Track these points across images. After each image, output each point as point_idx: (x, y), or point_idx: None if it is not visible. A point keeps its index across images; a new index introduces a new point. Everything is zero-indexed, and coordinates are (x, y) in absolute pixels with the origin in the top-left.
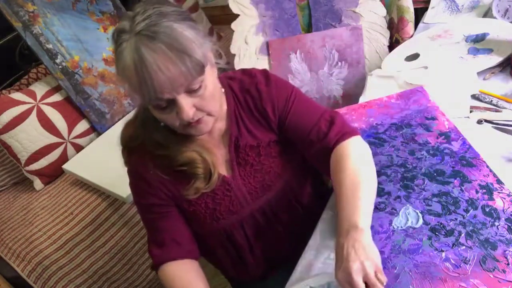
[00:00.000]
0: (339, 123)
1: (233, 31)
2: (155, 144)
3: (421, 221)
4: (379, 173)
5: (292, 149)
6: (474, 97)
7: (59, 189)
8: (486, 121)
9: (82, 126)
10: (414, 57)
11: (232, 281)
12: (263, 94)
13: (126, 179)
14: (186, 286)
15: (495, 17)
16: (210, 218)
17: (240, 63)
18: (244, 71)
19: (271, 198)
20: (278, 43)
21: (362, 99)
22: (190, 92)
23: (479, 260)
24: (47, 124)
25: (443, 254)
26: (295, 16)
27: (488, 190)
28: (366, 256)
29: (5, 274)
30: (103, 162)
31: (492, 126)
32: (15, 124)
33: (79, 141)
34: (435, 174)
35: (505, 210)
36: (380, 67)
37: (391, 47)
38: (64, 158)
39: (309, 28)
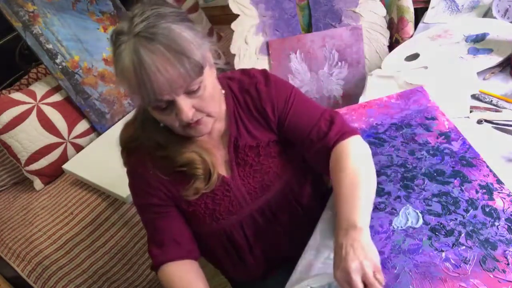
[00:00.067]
0: (339, 122)
1: (233, 31)
2: (154, 144)
3: (421, 221)
4: (379, 173)
5: (291, 149)
6: (474, 97)
7: (59, 189)
8: (486, 121)
9: (82, 126)
10: (414, 57)
11: (232, 281)
12: (263, 94)
13: (126, 179)
14: (186, 287)
15: (495, 17)
16: (210, 219)
17: (240, 63)
18: (243, 71)
19: (271, 198)
20: (278, 43)
21: (362, 99)
22: (189, 93)
23: (479, 260)
24: (47, 124)
25: (443, 254)
26: (295, 16)
27: (488, 190)
28: (365, 255)
29: (5, 274)
30: (103, 162)
31: (492, 126)
32: (15, 124)
33: (79, 141)
34: (435, 174)
35: (505, 210)
36: (380, 67)
37: (391, 47)
38: (64, 158)
39: (309, 28)
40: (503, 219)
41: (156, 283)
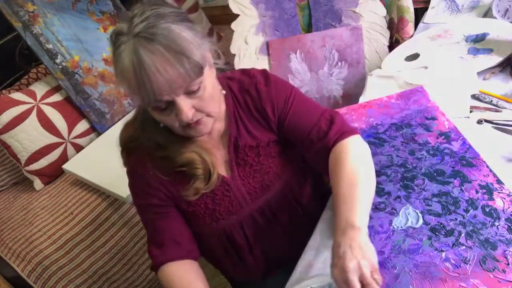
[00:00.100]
0: (339, 122)
1: (233, 31)
2: (154, 145)
3: (421, 221)
4: (379, 173)
5: (291, 149)
6: (474, 97)
7: (59, 189)
8: (486, 121)
9: (82, 126)
10: (414, 57)
11: (232, 281)
12: (263, 94)
13: (126, 179)
14: (186, 287)
15: (495, 17)
16: (210, 219)
17: (240, 63)
18: (243, 71)
19: (270, 199)
20: (278, 43)
21: (362, 99)
22: (189, 93)
23: (479, 260)
24: (47, 124)
25: (443, 254)
26: (295, 16)
27: (488, 190)
28: (362, 255)
29: (5, 274)
30: (103, 162)
31: (492, 126)
32: (15, 124)
33: (79, 141)
34: (435, 174)
35: (505, 210)
36: (380, 67)
37: (391, 47)
38: (64, 158)
39: (309, 28)
40: (503, 219)
41: (156, 283)
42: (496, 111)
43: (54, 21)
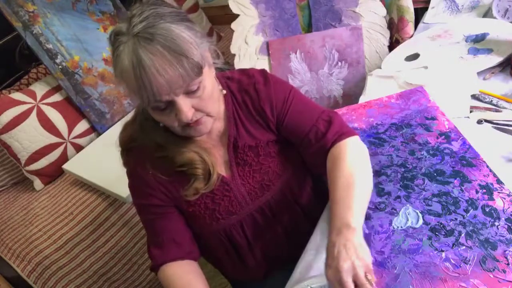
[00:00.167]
0: (337, 123)
1: (233, 31)
2: (154, 145)
3: (421, 221)
4: (379, 173)
5: (291, 149)
6: (474, 97)
7: (59, 189)
8: (486, 121)
9: (82, 126)
10: (414, 57)
11: (232, 281)
12: (261, 94)
13: (126, 179)
14: (185, 287)
15: (495, 17)
16: (210, 219)
17: (240, 63)
18: (242, 71)
19: (270, 198)
20: (278, 43)
21: (362, 99)
22: (189, 93)
23: (479, 260)
24: (47, 124)
25: (443, 254)
26: (295, 16)
27: (488, 190)
28: (357, 256)
29: (5, 274)
30: (103, 162)
31: (492, 126)
32: (15, 124)
33: (79, 141)
34: (435, 174)
35: (505, 210)
36: (380, 67)
37: (391, 47)
38: (64, 158)
39: (309, 28)
40: (503, 219)
41: (156, 283)
42: (496, 111)
43: (54, 21)
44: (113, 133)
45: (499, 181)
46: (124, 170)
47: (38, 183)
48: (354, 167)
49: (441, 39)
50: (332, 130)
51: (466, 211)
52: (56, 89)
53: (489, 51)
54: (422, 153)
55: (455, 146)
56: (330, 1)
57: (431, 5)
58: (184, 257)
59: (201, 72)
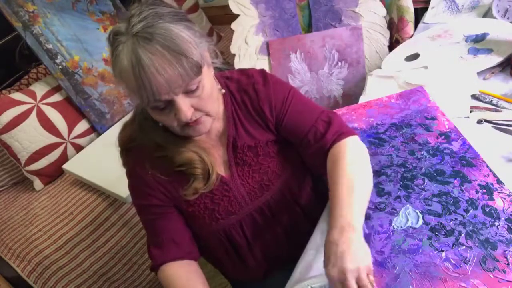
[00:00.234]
0: (337, 123)
1: (233, 31)
2: (153, 145)
3: (421, 221)
4: (379, 173)
5: (290, 149)
6: (474, 97)
7: (59, 189)
8: (486, 121)
9: (82, 126)
10: (414, 57)
11: (232, 281)
12: (261, 94)
13: (126, 179)
14: (185, 287)
15: (495, 17)
16: (209, 219)
17: (240, 63)
18: (241, 71)
19: (270, 198)
20: (278, 43)
21: (362, 99)
22: (188, 92)
23: (479, 260)
24: (47, 124)
25: (443, 254)
26: (295, 16)
27: (488, 190)
28: (361, 258)
29: (5, 274)
30: (103, 162)
31: (492, 126)
32: (15, 124)
33: (79, 141)
34: (435, 174)
35: (505, 210)
36: (380, 67)
37: (391, 47)
38: (64, 158)
39: (309, 28)
40: (503, 219)
41: (156, 283)
42: (496, 111)
43: (54, 21)
44: (113, 133)
45: (499, 181)
46: (124, 170)
47: (38, 183)
48: (354, 166)
49: (441, 39)
50: (331, 131)
51: (466, 211)
52: (56, 89)
53: (489, 51)
54: (422, 153)
55: (455, 146)
56: (330, 1)
57: (431, 5)
58: (183, 257)
59: (200, 71)
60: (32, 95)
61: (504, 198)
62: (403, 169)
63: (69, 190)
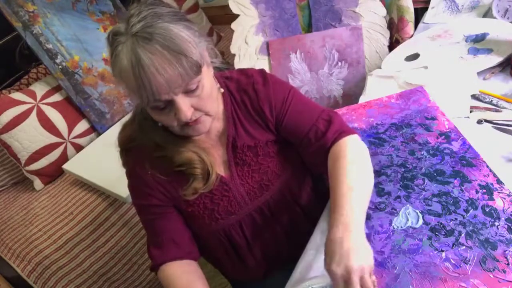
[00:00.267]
0: (337, 122)
1: (233, 31)
2: (152, 145)
3: (421, 221)
4: (379, 173)
5: (290, 149)
6: (474, 97)
7: (59, 189)
8: (486, 121)
9: (82, 126)
10: (414, 57)
11: (232, 281)
12: (260, 94)
13: (126, 179)
14: (185, 286)
15: (495, 17)
16: (209, 219)
17: (240, 63)
18: (241, 71)
19: (269, 198)
20: (278, 43)
21: (362, 99)
22: (188, 92)
23: (479, 260)
24: (47, 124)
25: (443, 254)
26: (295, 16)
27: (488, 190)
28: (366, 257)
29: (5, 274)
30: (103, 162)
31: (492, 126)
32: (15, 124)
33: (79, 141)
34: (435, 174)
35: (505, 210)
36: (380, 67)
37: (391, 47)
38: (64, 158)
39: (309, 28)
40: (503, 219)
41: (156, 283)
42: (496, 111)
43: (54, 21)
44: (113, 133)
45: (499, 181)
46: (124, 170)
47: (38, 183)
48: (355, 165)
49: (441, 39)
50: (332, 129)
51: (466, 211)
52: (56, 89)
53: (489, 51)
54: (422, 153)
55: (455, 146)
56: (330, 1)
57: (431, 5)
58: (183, 257)
59: (200, 71)
60: (32, 95)
61: (504, 198)
62: (403, 169)
63: (69, 190)
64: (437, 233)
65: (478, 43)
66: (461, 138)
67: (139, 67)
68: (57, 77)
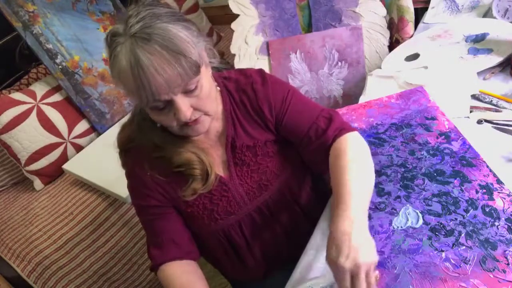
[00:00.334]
0: (338, 120)
1: (233, 31)
2: (151, 145)
3: (421, 221)
4: (379, 173)
5: (290, 148)
6: (474, 97)
7: (59, 189)
8: (486, 121)
9: (82, 126)
10: (414, 57)
11: (232, 281)
12: (259, 94)
13: (126, 180)
14: (185, 286)
15: (495, 17)
16: (208, 219)
17: (240, 63)
18: (239, 71)
19: (268, 198)
20: (278, 43)
21: (362, 99)
22: (187, 92)
23: (479, 260)
24: (47, 124)
25: (443, 254)
26: (295, 16)
27: (488, 190)
28: (373, 253)
29: (5, 274)
30: (103, 162)
31: (492, 126)
32: (15, 124)
33: (79, 141)
34: (435, 174)
35: (505, 210)
36: (380, 67)
37: (391, 47)
38: (64, 158)
39: (309, 28)
40: (503, 219)
41: (156, 283)
42: (496, 111)
43: (54, 21)
44: (113, 133)
45: (499, 181)
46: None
47: (38, 183)
48: (356, 160)
49: (441, 39)
50: (333, 127)
51: (466, 211)
52: (56, 89)
53: (489, 51)
54: (422, 153)
55: (455, 146)
56: (330, 1)
57: (431, 5)
58: (183, 257)
59: (199, 71)
60: (32, 95)
61: (504, 198)
62: (403, 169)
63: (69, 190)
64: (437, 233)
65: (478, 43)
66: (461, 138)
67: (138, 67)
68: (57, 77)
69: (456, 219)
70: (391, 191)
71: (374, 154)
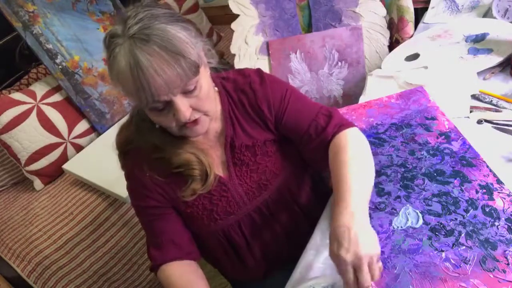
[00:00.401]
0: (337, 117)
1: (233, 31)
2: (150, 146)
3: (421, 221)
4: (379, 173)
5: (289, 148)
6: (474, 97)
7: (59, 189)
8: (486, 121)
9: (82, 126)
10: (414, 57)
11: (232, 281)
12: (258, 93)
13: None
14: (185, 287)
15: (495, 17)
16: (208, 219)
17: (240, 63)
18: (237, 71)
19: (268, 198)
20: (278, 43)
21: (362, 99)
22: (186, 93)
23: (479, 260)
24: (47, 124)
25: (443, 254)
26: (295, 16)
27: (488, 190)
28: (374, 244)
29: (5, 274)
30: (103, 162)
31: (492, 126)
32: (15, 124)
33: (79, 141)
34: (435, 174)
35: (505, 210)
36: (380, 67)
37: (391, 47)
38: (64, 158)
39: (309, 28)
40: (503, 219)
41: (156, 283)
42: (496, 111)
43: (54, 21)
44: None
45: (499, 181)
46: None
47: (38, 183)
48: (356, 156)
49: (441, 39)
50: (332, 124)
51: (466, 211)
52: (56, 89)
53: (489, 51)
54: (422, 153)
55: (455, 146)
56: (330, 1)
57: (431, 5)
58: (183, 257)
59: (198, 71)
60: (32, 95)
61: (504, 198)
62: (403, 169)
63: (69, 190)
64: (437, 233)
65: (478, 43)
66: (461, 138)
67: (137, 68)
68: (57, 77)
69: (456, 219)
70: (391, 191)
71: (374, 154)
